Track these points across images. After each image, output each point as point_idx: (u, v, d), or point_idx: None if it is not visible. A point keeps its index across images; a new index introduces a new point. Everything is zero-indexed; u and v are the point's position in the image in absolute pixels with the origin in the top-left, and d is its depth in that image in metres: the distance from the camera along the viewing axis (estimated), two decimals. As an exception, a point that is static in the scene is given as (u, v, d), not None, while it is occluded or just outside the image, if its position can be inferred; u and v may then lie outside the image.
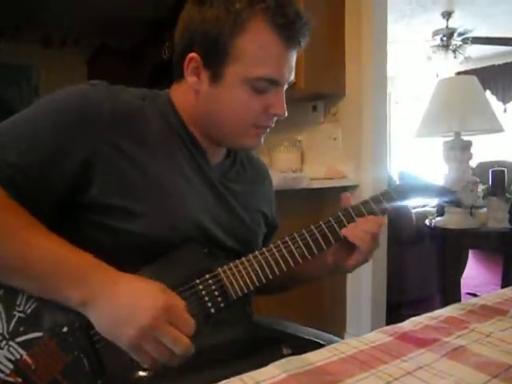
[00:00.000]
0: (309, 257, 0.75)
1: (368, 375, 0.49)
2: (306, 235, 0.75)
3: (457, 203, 0.93)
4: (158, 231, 0.70)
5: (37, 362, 0.61)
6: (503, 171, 2.02)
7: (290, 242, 0.75)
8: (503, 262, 2.49)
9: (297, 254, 0.75)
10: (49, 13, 3.57)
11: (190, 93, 0.77)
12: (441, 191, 0.87)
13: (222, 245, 0.79)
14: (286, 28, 0.71)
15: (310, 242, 0.75)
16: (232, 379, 0.48)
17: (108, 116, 0.69)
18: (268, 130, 0.80)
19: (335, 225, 0.76)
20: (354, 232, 0.75)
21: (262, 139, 0.81)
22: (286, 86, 0.78)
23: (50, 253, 0.61)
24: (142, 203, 0.69)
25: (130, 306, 0.59)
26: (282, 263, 0.74)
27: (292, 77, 0.78)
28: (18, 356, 0.61)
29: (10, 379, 0.60)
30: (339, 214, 0.78)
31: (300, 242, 0.75)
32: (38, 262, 0.60)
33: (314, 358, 0.54)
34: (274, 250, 0.74)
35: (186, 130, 0.78)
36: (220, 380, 0.47)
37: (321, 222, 0.77)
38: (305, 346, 0.63)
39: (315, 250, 0.75)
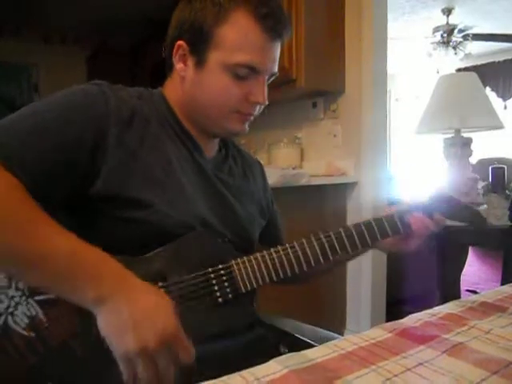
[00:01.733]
0: (322, 260, 0.77)
1: (368, 371, 0.50)
2: (323, 239, 0.78)
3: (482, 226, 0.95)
4: (163, 222, 0.72)
5: (50, 321, 0.65)
6: (503, 168, 2.02)
7: (306, 244, 0.77)
8: (503, 259, 2.48)
9: (311, 256, 0.77)
10: (49, 11, 3.57)
11: (178, 82, 0.81)
12: (471, 217, 0.89)
13: (221, 236, 0.80)
14: (267, 18, 0.75)
15: (326, 245, 0.78)
16: (232, 375, 0.48)
17: (114, 113, 0.71)
18: (252, 117, 0.83)
19: (340, 235, 0.79)
20: (418, 225, 0.81)
21: (247, 127, 0.83)
22: (269, 78, 0.81)
23: (66, 249, 0.60)
24: (147, 195, 0.71)
25: (141, 317, 0.58)
26: (295, 264, 0.76)
27: (275, 69, 0.81)
28: (34, 313, 0.65)
29: (25, 333, 0.65)
30: (349, 226, 0.80)
31: (316, 244, 0.77)
32: (54, 257, 0.59)
33: (314, 354, 0.54)
34: (289, 250, 0.77)
35: (181, 126, 0.82)
36: (217, 373, 0.48)
37: (341, 229, 0.79)
38: (303, 347, 0.64)
39: (329, 254, 0.78)
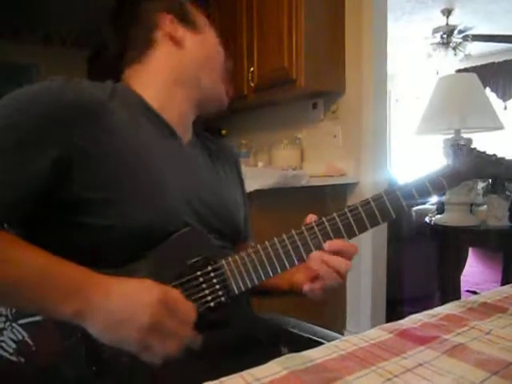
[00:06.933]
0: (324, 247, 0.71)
1: (368, 372, 0.50)
2: (326, 224, 0.71)
3: None
4: (150, 218, 0.67)
5: (37, 343, 0.63)
6: (503, 169, 2.02)
7: (306, 233, 0.71)
8: (503, 259, 2.49)
9: (312, 246, 0.70)
10: (49, 12, 3.57)
11: (163, 59, 0.82)
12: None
13: (209, 225, 0.76)
14: None
15: (330, 233, 0.71)
16: (232, 376, 0.48)
17: (73, 107, 0.66)
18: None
19: (342, 222, 0.73)
20: (319, 263, 0.71)
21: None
22: None
23: (36, 268, 0.59)
24: (127, 192, 0.67)
25: (126, 307, 0.58)
26: (293, 256, 0.70)
27: None
28: (20, 337, 0.63)
29: (13, 358, 0.63)
30: (344, 211, 0.74)
31: (318, 232, 0.71)
32: (26, 279, 0.58)
33: (315, 355, 0.54)
34: (287, 241, 0.70)
35: (154, 113, 0.78)
36: (216, 377, 0.48)
37: (335, 214, 0.73)
38: (304, 344, 0.63)
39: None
